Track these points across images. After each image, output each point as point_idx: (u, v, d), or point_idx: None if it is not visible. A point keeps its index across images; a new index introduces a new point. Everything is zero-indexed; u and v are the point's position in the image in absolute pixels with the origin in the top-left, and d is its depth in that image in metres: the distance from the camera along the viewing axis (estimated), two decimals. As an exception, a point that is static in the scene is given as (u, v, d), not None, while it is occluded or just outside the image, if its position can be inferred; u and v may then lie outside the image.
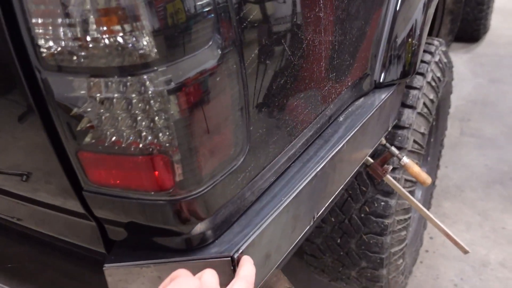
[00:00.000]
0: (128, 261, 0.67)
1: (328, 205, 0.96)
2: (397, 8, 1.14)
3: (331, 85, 0.92)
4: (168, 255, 0.68)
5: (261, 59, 0.67)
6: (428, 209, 2.12)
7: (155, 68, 0.53)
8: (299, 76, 0.80)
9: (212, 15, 0.56)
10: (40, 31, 0.52)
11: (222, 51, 0.58)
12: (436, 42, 1.58)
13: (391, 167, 1.27)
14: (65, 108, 0.56)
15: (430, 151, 2.00)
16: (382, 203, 1.40)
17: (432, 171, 2.06)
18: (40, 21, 0.51)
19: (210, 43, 0.57)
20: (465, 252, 1.28)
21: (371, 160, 1.25)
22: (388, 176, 1.27)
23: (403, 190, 1.27)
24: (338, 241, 1.54)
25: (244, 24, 0.62)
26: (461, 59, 3.95)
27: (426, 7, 1.23)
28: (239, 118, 0.64)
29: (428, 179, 1.25)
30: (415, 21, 1.20)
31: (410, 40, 1.18)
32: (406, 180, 1.40)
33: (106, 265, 0.68)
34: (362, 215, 1.45)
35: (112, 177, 0.59)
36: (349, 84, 1.01)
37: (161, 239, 0.68)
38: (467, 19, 3.80)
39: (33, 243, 0.88)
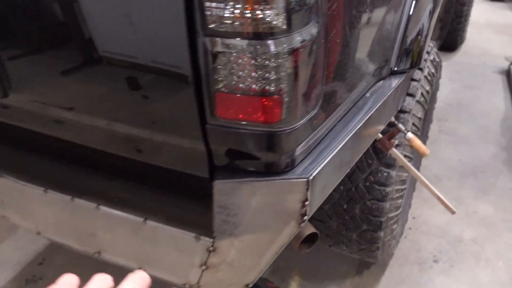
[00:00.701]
0: (232, 179, 0.93)
1: (357, 160, 1.24)
2: (410, 13, 1.42)
3: (367, 65, 1.20)
4: (260, 176, 0.93)
5: (332, 41, 0.94)
6: (412, 192, 2.44)
7: (279, 37, 0.79)
8: (350, 55, 1.07)
9: (313, 3, 0.82)
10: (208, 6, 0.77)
11: (317, 29, 0.85)
12: (431, 44, 1.89)
13: (396, 141, 1.55)
14: (211, 59, 0.81)
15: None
16: (385, 174, 1.68)
17: (418, 159, 2.37)
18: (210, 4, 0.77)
19: (311, 22, 0.83)
20: (453, 212, 1.58)
21: (380, 135, 1.53)
22: (394, 149, 1.55)
23: (405, 160, 1.56)
24: (345, 206, 1.82)
25: (329, 12, 0.89)
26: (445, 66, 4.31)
27: (431, 13, 1.52)
28: (321, 77, 0.90)
29: (427, 151, 1.54)
30: (422, 24, 1.49)
31: (418, 38, 1.47)
32: (405, 155, 1.69)
33: (216, 181, 0.93)
34: (367, 183, 1.73)
35: (235, 112, 0.84)
36: (376, 67, 1.29)
37: (255, 164, 0.93)
38: (446, 31, 4.17)
39: (138, 178, 1.13)
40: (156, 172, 1.08)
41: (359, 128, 1.14)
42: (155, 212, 1.09)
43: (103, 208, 1.11)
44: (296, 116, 0.87)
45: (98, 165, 1.18)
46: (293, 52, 0.81)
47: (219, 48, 0.80)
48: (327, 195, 1.10)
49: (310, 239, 1.42)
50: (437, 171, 2.92)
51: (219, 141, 0.91)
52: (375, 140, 1.56)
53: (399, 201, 1.79)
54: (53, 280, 0.48)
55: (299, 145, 0.94)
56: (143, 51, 0.88)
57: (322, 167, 0.96)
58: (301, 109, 0.88)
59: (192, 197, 1.07)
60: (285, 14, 0.77)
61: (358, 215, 1.81)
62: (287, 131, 0.87)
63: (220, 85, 0.83)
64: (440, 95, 3.88)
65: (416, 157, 2.32)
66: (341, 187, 1.78)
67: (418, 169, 2.42)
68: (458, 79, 4.10)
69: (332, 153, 1.01)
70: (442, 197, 1.56)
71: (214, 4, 0.77)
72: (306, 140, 0.96)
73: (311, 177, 0.93)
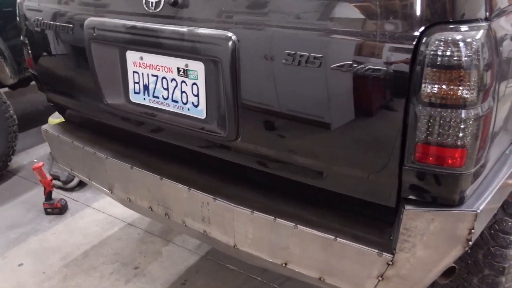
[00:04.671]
0: (419, 208, 1.25)
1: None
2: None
3: (506, 129, 1.49)
4: (437, 207, 1.25)
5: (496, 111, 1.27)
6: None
7: (469, 108, 1.13)
8: (501, 121, 1.38)
9: (492, 87, 1.17)
10: None
11: (491, 104, 1.18)
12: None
13: (525, 194, 1.80)
14: (417, 120, 1.17)
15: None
16: (510, 223, 1.92)
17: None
18: None
19: (488, 99, 1.17)
20: None
21: (510, 188, 1.79)
22: (521, 200, 1.80)
23: (532, 211, 1.79)
24: (468, 251, 2.05)
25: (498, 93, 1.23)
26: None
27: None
28: (489, 137, 1.24)
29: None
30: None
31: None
32: (529, 208, 1.92)
33: (406, 208, 1.25)
34: (492, 231, 1.96)
35: (430, 158, 1.18)
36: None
37: (435, 197, 1.25)
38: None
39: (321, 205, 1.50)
40: (348, 200, 1.44)
41: (506, 177, 1.43)
42: (343, 232, 1.43)
43: (301, 227, 1.47)
44: (473, 163, 1.19)
45: (294, 196, 1.56)
46: (477, 118, 1.14)
47: (426, 112, 1.15)
48: (482, 228, 1.38)
49: (449, 272, 1.68)
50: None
51: (410, 179, 1.25)
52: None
53: (521, 250, 2.00)
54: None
55: (471, 185, 1.25)
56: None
57: (485, 204, 1.27)
58: (477, 158, 1.20)
59: (370, 223, 1.41)
60: (475, 93, 1.12)
61: (481, 260, 2.03)
62: (466, 173, 1.19)
63: (422, 138, 1.18)
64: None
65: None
66: (467, 233, 2.02)
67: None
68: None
69: (490, 195, 1.31)
70: None
71: (429, 83, 1.13)
72: (475, 182, 1.27)
73: (478, 210, 1.23)
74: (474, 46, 1.10)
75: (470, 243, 1.25)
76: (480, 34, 1.12)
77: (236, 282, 2.64)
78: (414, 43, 1.12)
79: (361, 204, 1.42)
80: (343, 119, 1.29)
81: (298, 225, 1.47)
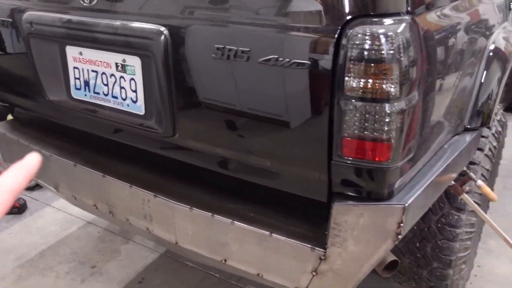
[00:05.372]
0: (348, 202, 1.25)
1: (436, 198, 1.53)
2: (482, 81, 1.73)
3: (446, 123, 1.51)
4: (367, 201, 1.25)
5: (425, 104, 1.27)
6: (478, 241, 2.63)
7: (393, 101, 1.13)
8: (436, 114, 1.39)
9: (417, 80, 1.16)
10: None
11: (417, 97, 1.18)
12: (498, 106, 2.17)
13: (467, 188, 1.82)
14: (342, 115, 1.16)
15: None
16: (456, 217, 1.93)
17: (484, 211, 2.58)
18: None
19: (413, 92, 1.17)
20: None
21: (453, 182, 1.81)
22: (465, 194, 1.81)
23: (475, 205, 1.81)
24: (417, 245, 2.06)
25: (425, 85, 1.23)
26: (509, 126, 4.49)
27: (500, 80, 1.82)
28: (417, 131, 1.23)
29: (495, 197, 1.79)
30: (492, 90, 1.79)
31: (488, 101, 1.76)
32: (474, 201, 1.94)
33: (335, 203, 1.25)
34: (439, 225, 1.98)
35: (356, 152, 1.17)
36: (453, 124, 1.59)
37: (363, 191, 1.24)
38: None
39: (257, 201, 1.48)
40: (277, 198, 1.42)
41: (440, 173, 1.44)
42: (278, 228, 1.42)
43: (237, 223, 1.45)
44: (399, 157, 1.19)
45: (231, 192, 1.54)
46: (402, 112, 1.14)
47: (350, 107, 1.14)
48: (414, 222, 1.39)
49: (391, 266, 1.68)
50: (502, 226, 3.07)
51: (339, 173, 1.24)
52: (448, 186, 1.83)
53: (468, 242, 2.02)
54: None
55: (399, 179, 1.25)
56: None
57: (414, 197, 1.27)
58: (403, 152, 1.20)
59: (304, 218, 1.40)
60: (398, 87, 1.11)
61: (429, 253, 2.05)
62: (392, 168, 1.19)
63: (348, 133, 1.17)
64: (505, 153, 4.05)
65: (484, 206, 2.53)
66: (415, 227, 2.04)
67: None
68: (522, 139, 4.25)
69: (420, 189, 1.32)
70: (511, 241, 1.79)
71: (351, 77, 1.12)
72: (404, 176, 1.27)
73: (406, 204, 1.23)
74: (395, 40, 1.10)
75: (400, 236, 1.25)
76: (402, 27, 1.11)
77: (194, 279, 2.62)
78: (336, 36, 1.11)
79: (298, 200, 1.41)
80: (272, 113, 1.28)
81: (235, 221, 1.46)
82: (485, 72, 1.74)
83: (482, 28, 1.73)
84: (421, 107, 1.22)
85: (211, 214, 1.50)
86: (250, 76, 1.26)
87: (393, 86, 1.11)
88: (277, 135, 1.31)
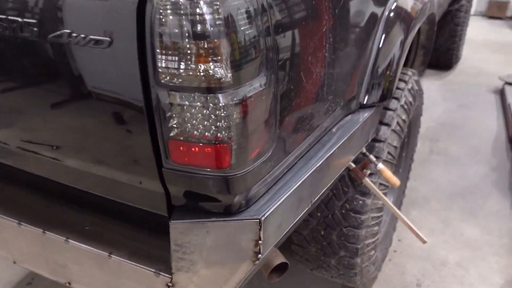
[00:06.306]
0: (187, 220, 0.96)
1: (321, 194, 1.27)
2: (380, 45, 1.46)
3: (329, 104, 1.23)
4: (213, 217, 0.97)
5: (287, 86, 0.98)
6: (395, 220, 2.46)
7: (228, 90, 0.83)
8: (309, 97, 1.11)
9: (259, 59, 0.87)
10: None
11: (265, 80, 0.89)
12: (409, 73, 1.93)
13: (369, 172, 1.58)
14: (162, 110, 0.85)
15: (402, 164, 2.33)
16: (360, 202, 1.71)
17: (403, 182, 2.40)
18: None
19: (259, 75, 0.87)
20: (424, 242, 1.60)
21: (353, 165, 1.57)
22: (366, 178, 1.58)
23: (377, 190, 1.59)
24: (322, 233, 1.84)
25: (279, 65, 0.93)
26: (434, 85, 4.35)
27: (403, 44, 1.56)
28: (273, 123, 0.94)
29: (397, 182, 1.57)
30: (393, 56, 1.52)
31: (388, 71, 1.50)
32: (380, 184, 1.72)
33: (172, 221, 0.97)
34: (343, 211, 1.75)
35: (188, 157, 0.88)
36: (342, 103, 1.32)
37: (209, 205, 0.97)
38: (441, 50, 4.20)
39: (99, 211, 1.17)
40: (121, 208, 1.12)
41: (320, 165, 1.17)
42: (120, 246, 1.13)
43: (72, 242, 1.15)
44: (246, 161, 0.91)
45: (68, 199, 1.23)
46: (241, 103, 0.85)
47: (171, 100, 0.84)
48: (286, 231, 1.13)
49: (280, 269, 1.45)
50: (426, 192, 2.94)
51: (174, 183, 0.95)
52: (349, 170, 1.60)
53: (376, 228, 1.82)
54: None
55: (252, 187, 0.97)
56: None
57: (275, 207, 1.00)
58: (252, 154, 0.91)
59: (153, 234, 1.11)
60: (232, 70, 0.82)
61: (335, 242, 1.84)
62: (237, 175, 0.91)
63: (172, 133, 0.87)
64: (433, 114, 3.92)
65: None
66: (318, 214, 1.81)
67: (403, 192, 2.45)
68: (452, 98, 4.12)
69: (287, 192, 1.05)
70: (413, 226, 1.59)
71: (167, 60, 0.81)
72: (260, 181, 0.99)
73: (263, 218, 0.96)
74: (225, 5, 0.79)
75: (260, 255, 0.99)
76: None
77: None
78: (136, 4, 0.79)
79: (145, 215, 1.12)
80: (78, 105, 0.96)
81: (69, 239, 1.16)
82: (383, 35, 1.46)
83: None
84: (275, 93, 0.94)
85: (42, 230, 1.19)
86: (42, 57, 0.93)
87: (224, 69, 0.81)
88: (91, 137, 1.00)
